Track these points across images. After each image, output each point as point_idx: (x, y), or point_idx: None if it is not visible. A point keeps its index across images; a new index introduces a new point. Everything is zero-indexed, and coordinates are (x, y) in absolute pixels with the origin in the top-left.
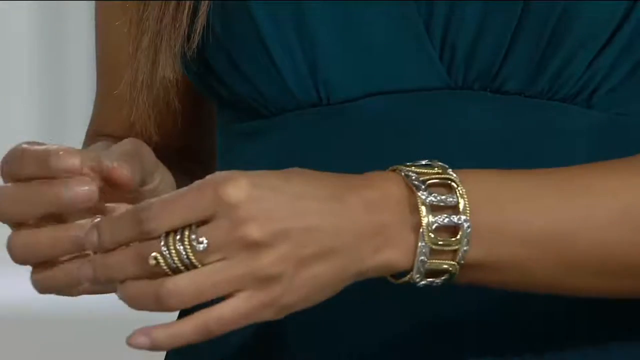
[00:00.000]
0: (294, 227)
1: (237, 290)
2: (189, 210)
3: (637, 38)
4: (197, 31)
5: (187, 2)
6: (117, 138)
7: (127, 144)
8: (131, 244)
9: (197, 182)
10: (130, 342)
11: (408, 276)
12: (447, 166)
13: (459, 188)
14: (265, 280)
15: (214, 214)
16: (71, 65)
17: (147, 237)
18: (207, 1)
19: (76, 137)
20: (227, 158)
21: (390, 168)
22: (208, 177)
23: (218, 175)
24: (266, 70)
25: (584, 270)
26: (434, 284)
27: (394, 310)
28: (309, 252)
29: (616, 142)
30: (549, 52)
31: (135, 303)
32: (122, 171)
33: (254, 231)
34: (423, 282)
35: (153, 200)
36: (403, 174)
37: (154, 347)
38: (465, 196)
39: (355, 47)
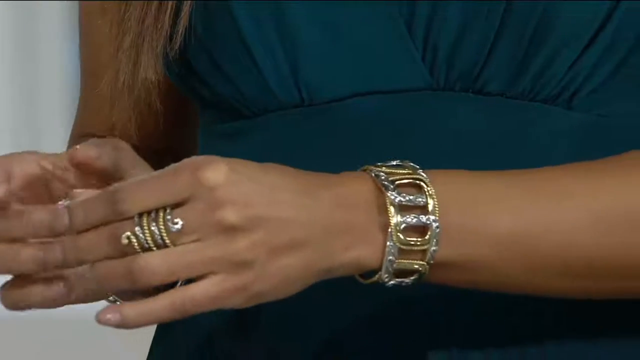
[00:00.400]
0: (270, 215)
1: (210, 273)
2: (164, 191)
3: (619, 38)
4: (179, 32)
5: (170, 3)
6: (101, 137)
7: (104, 139)
8: (102, 226)
9: (174, 165)
10: (99, 318)
11: (377, 276)
12: (417, 167)
13: (428, 188)
14: (238, 265)
15: (191, 197)
16: (44, 65)
17: (120, 218)
18: (189, 2)
19: (49, 134)
20: None
21: (361, 168)
22: (185, 160)
23: (196, 158)
24: (248, 71)
25: (549, 271)
26: (404, 284)
27: (366, 304)
28: (282, 242)
29: (598, 143)
30: (530, 53)
31: (107, 282)
32: (86, 152)
33: (231, 215)
34: (392, 282)
35: (128, 180)
36: (373, 174)
37: (123, 324)
38: (434, 196)
39: (336, 47)
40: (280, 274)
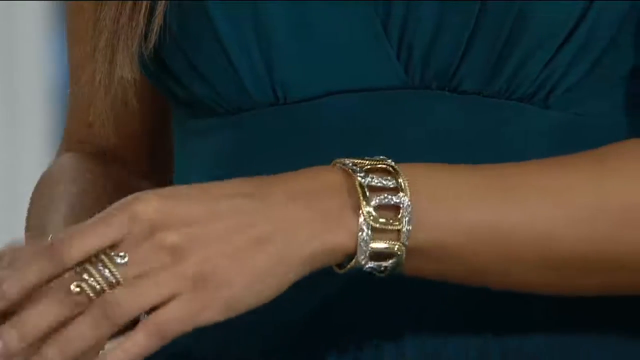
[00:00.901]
0: (212, 225)
1: (176, 294)
2: (101, 235)
3: (594, 38)
4: (154, 31)
5: (144, 2)
6: (83, 144)
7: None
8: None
9: (105, 210)
10: None
11: (353, 260)
12: (387, 158)
13: (399, 173)
14: (195, 281)
15: (127, 234)
16: (23, 65)
17: (59, 272)
18: (163, 1)
19: (29, 134)
20: (182, 155)
21: (331, 163)
22: (115, 203)
23: (125, 198)
24: (223, 70)
25: (526, 265)
26: (382, 268)
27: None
28: (236, 245)
29: (574, 142)
30: (505, 52)
31: (80, 340)
32: None
33: (170, 236)
34: (369, 265)
35: (59, 234)
36: (340, 164)
37: None
38: (405, 179)
39: (312, 46)
40: (246, 273)
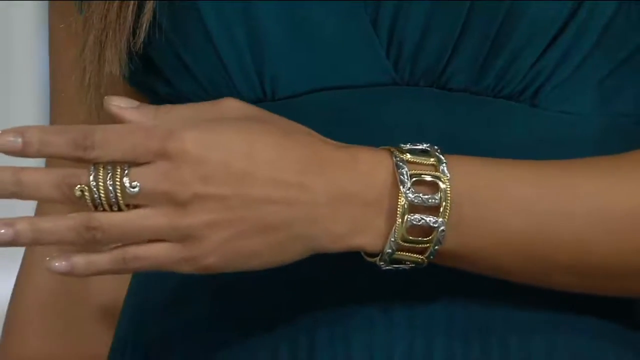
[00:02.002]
0: (230, 203)
1: (161, 240)
2: (133, 147)
3: (581, 37)
4: (144, 27)
5: (131, 1)
6: None
7: None
8: (52, 170)
9: (149, 124)
10: (49, 265)
11: (374, 260)
12: (442, 158)
13: (446, 187)
14: (185, 238)
15: (153, 162)
16: (15, 64)
17: (82, 161)
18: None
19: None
20: None
21: (385, 147)
22: (162, 123)
23: (173, 123)
24: (212, 66)
25: (552, 269)
26: (400, 269)
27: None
28: (242, 225)
29: (560, 139)
30: (494, 50)
31: (58, 237)
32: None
33: (180, 190)
34: (387, 268)
35: (100, 127)
36: (395, 159)
37: (71, 272)
38: (448, 198)
39: (301, 44)
40: (238, 253)
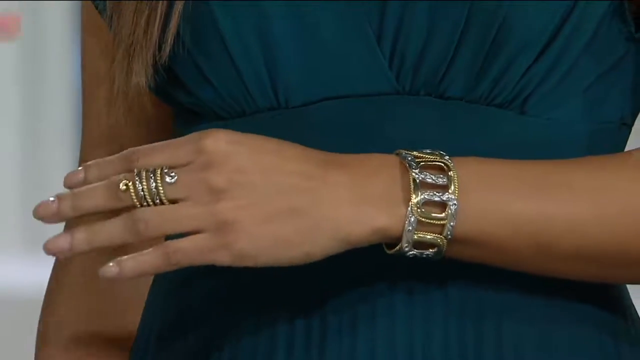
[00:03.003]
0: (259, 188)
1: (199, 230)
2: (170, 154)
3: (569, 47)
4: (168, 41)
5: (157, 16)
6: (102, 148)
7: None
8: None
9: (181, 137)
10: (101, 272)
11: (398, 246)
12: (444, 154)
13: (452, 171)
14: (220, 224)
15: (190, 162)
16: (50, 67)
17: (124, 171)
18: (176, 16)
19: (55, 135)
20: None
21: (395, 152)
22: (194, 132)
23: (203, 131)
24: (230, 77)
25: (558, 255)
26: (424, 255)
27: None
28: (273, 208)
29: (546, 145)
30: (488, 61)
31: (108, 235)
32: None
33: (217, 177)
34: (412, 252)
35: (142, 146)
36: (401, 155)
37: (122, 274)
38: (455, 179)
39: (312, 56)
40: (270, 238)
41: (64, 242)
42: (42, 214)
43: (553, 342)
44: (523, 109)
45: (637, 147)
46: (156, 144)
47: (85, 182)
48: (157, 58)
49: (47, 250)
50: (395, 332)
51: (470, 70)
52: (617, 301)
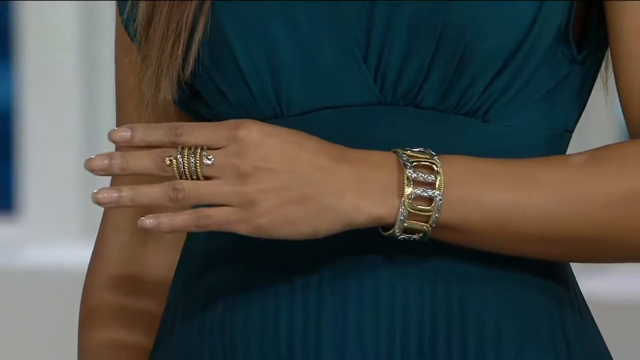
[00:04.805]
0: (281, 175)
1: (227, 204)
2: (210, 136)
3: (524, 67)
4: (190, 63)
5: (182, 42)
6: None
7: None
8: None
9: (220, 123)
10: (141, 223)
11: (391, 231)
12: (434, 153)
13: (438, 169)
14: (245, 203)
15: (225, 145)
16: (108, 70)
17: (174, 145)
18: (197, 41)
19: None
20: None
21: (392, 150)
22: (232, 120)
23: (236, 120)
24: (242, 92)
25: (527, 238)
26: (412, 239)
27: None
28: (290, 194)
29: (507, 150)
30: (456, 77)
31: (150, 197)
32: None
33: (246, 163)
34: (402, 237)
35: (186, 122)
36: (398, 154)
37: (158, 227)
38: (442, 176)
39: (310, 73)
40: (283, 218)
41: (112, 196)
42: (93, 166)
43: (507, 303)
44: (485, 117)
45: (578, 150)
46: (198, 123)
47: (129, 141)
48: (181, 76)
49: (96, 199)
50: (379, 290)
51: (442, 84)
52: (562, 275)
